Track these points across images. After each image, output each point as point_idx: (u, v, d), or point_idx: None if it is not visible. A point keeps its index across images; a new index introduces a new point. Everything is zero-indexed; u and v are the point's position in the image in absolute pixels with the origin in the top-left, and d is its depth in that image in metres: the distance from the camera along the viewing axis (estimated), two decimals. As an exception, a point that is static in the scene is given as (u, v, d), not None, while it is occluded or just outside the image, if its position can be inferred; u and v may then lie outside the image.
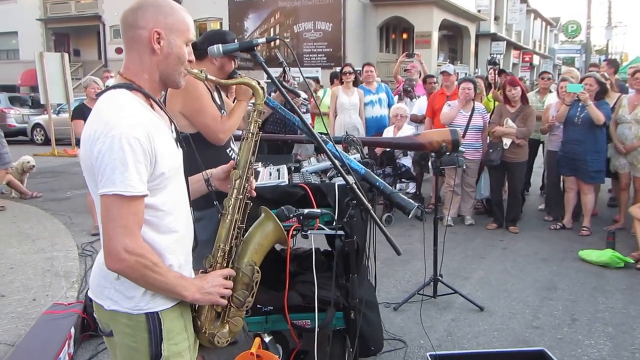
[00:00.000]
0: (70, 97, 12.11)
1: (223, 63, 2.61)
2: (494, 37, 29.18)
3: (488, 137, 5.87)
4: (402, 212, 2.42)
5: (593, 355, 3.16)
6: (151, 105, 1.47)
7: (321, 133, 3.33)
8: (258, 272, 1.60)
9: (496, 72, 6.97)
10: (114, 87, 1.44)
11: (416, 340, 3.30)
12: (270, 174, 2.78)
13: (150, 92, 1.46)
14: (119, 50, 22.98)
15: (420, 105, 6.97)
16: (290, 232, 2.25)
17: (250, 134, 1.65)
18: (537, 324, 3.58)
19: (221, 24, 23.16)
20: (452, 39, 28.68)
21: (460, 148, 3.69)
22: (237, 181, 1.61)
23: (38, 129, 15.59)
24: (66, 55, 12.73)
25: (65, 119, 11.20)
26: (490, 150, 5.69)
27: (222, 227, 1.58)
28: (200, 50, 2.23)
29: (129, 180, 1.30)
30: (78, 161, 1.44)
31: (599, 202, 6.43)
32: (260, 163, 3.05)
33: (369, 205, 1.90)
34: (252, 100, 1.71)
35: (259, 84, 1.70)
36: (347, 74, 6.54)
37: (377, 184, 2.51)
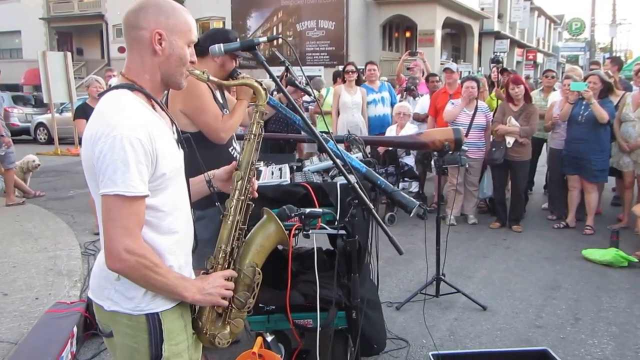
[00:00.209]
0: (73, 96, 12.13)
1: (224, 61, 2.60)
2: (498, 35, 29.11)
3: (491, 136, 5.85)
4: (404, 210, 2.41)
5: (596, 355, 3.15)
6: (153, 106, 1.47)
7: (323, 132, 3.33)
8: (259, 273, 1.60)
9: (499, 70, 6.94)
10: (116, 87, 1.44)
11: (418, 339, 3.30)
12: (273, 173, 2.77)
13: (151, 92, 1.46)
14: (121, 49, 23.04)
15: (422, 104, 6.96)
16: (292, 232, 2.24)
17: (252, 135, 1.65)
18: (540, 323, 3.57)
19: (224, 22, 23.18)
20: (456, 37, 28.62)
21: (463, 147, 3.68)
22: (239, 182, 1.61)
23: (41, 128, 15.63)
24: (69, 54, 12.75)
25: (68, 118, 11.21)
26: (493, 149, 5.67)
27: (223, 228, 1.58)
28: (202, 48, 2.23)
29: (130, 181, 1.30)
30: (81, 160, 1.44)
31: (603, 200, 6.40)
32: (262, 162, 3.04)
33: (371, 205, 1.89)
34: (255, 101, 1.71)
35: (260, 84, 1.70)
36: (350, 73, 6.53)
37: (379, 182, 2.50)
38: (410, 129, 6.11)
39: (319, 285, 2.39)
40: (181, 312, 1.49)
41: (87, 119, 1.58)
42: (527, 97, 5.66)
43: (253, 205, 1.65)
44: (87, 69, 25.84)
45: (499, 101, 6.22)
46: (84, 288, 4.10)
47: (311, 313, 2.47)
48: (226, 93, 2.87)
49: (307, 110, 8.15)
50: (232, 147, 2.73)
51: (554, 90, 6.57)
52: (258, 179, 2.55)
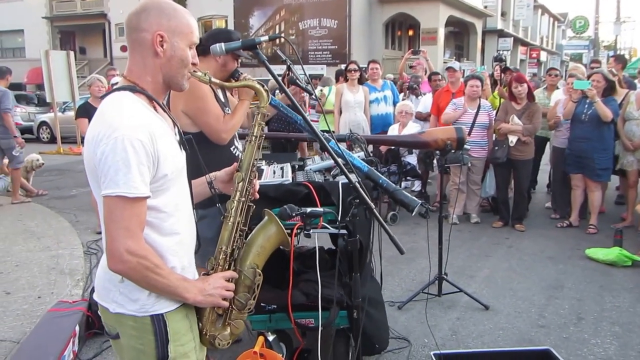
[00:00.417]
0: (76, 95, 12.15)
1: (226, 61, 2.60)
2: (501, 34, 29.03)
3: (494, 135, 5.83)
4: (406, 209, 2.40)
5: (599, 355, 3.14)
6: (154, 108, 1.47)
7: (324, 131, 3.32)
8: (260, 274, 1.60)
9: (501, 68, 6.92)
10: (118, 89, 1.44)
11: (420, 339, 3.29)
12: (274, 172, 2.77)
13: (153, 94, 1.47)
14: (124, 48, 23.00)
15: (425, 102, 6.94)
16: (294, 231, 2.24)
17: (253, 137, 1.65)
18: (542, 323, 3.56)
19: (226, 21, 23.20)
20: (459, 36, 28.57)
21: (465, 146, 3.67)
22: (240, 184, 1.61)
23: (44, 127, 15.68)
24: (72, 53, 12.78)
25: (71, 117, 11.25)
26: (496, 148, 5.65)
27: (224, 229, 1.58)
28: (204, 47, 2.23)
29: (132, 182, 1.30)
30: (83, 159, 1.45)
31: (607, 199, 6.39)
32: (264, 161, 3.04)
33: (372, 204, 1.88)
34: (257, 103, 1.71)
35: (263, 86, 1.69)
36: (352, 72, 6.52)
37: (380, 181, 2.49)
38: (412, 128, 6.10)
39: (320, 285, 2.38)
40: (186, 312, 1.49)
41: (89, 118, 1.59)
42: (530, 96, 5.64)
43: (254, 206, 1.64)
44: (90, 68, 25.90)
45: (502, 100, 6.20)
46: (86, 287, 4.11)
47: (313, 312, 2.46)
48: (228, 93, 2.86)
49: (313, 107, 8.15)
50: (234, 147, 2.72)
51: (557, 88, 6.55)
52: (260, 178, 2.55)
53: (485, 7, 26.80)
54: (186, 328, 1.49)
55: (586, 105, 5.34)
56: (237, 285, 1.57)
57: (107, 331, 1.54)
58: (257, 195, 1.68)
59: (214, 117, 2.53)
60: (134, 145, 1.30)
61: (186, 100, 2.48)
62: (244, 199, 1.60)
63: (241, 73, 2.61)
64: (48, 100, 12.87)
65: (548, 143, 6.61)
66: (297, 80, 2.55)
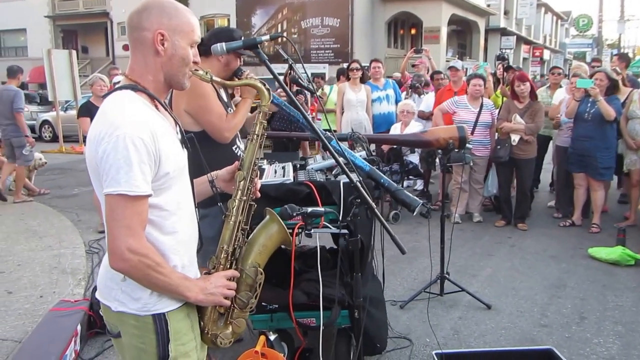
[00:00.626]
0: (78, 94, 12.17)
1: (229, 60, 2.59)
2: (504, 32, 28.94)
3: (496, 134, 5.82)
4: (407, 209, 2.40)
5: (602, 354, 3.13)
6: (156, 107, 1.47)
7: (326, 130, 3.31)
8: (262, 273, 1.60)
9: (504, 67, 6.90)
10: (119, 88, 1.44)
11: (422, 338, 3.28)
12: (276, 172, 2.76)
13: (155, 93, 1.47)
14: (126, 47, 23.03)
15: (427, 101, 6.93)
16: (295, 231, 2.24)
17: (255, 136, 1.65)
18: (545, 322, 3.55)
19: (228, 20, 23.19)
20: (461, 34, 28.50)
21: (467, 145, 3.66)
22: (242, 182, 1.61)
23: (46, 126, 15.67)
24: (74, 52, 12.79)
25: (73, 116, 11.27)
26: (499, 147, 5.64)
27: (225, 228, 1.58)
28: (206, 47, 2.22)
29: (134, 180, 1.30)
30: (85, 158, 1.45)
31: (609, 198, 6.36)
32: (265, 160, 3.03)
33: (373, 204, 1.88)
34: (259, 101, 1.70)
35: (264, 85, 1.69)
36: (354, 70, 6.50)
37: (382, 181, 2.49)
38: (414, 127, 6.08)
39: (322, 284, 2.38)
40: (187, 312, 1.49)
41: (91, 117, 1.59)
42: (533, 95, 5.63)
43: (255, 205, 1.64)
44: (92, 67, 25.93)
45: (504, 98, 6.18)
46: (88, 286, 4.11)
47: (314, 312, 2.46)
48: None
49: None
50: (235, 146, 2.72)
51: (560, 87, 6.53)
52: (261, 177, 2.54)
53: (488, 5, 26.72)
54: (187, 327, 1.49)
55: (589, 104, 5.33)
56: (239, 284, 1.56)
57: (108, 330, 1.54)
58: (259, 194, 1.68)
59: (216, 115, 2.53)
60: (136, 144, 1.30)
61: (188, 98, 2.48)
62: (245, 198, 1.60)
63: (244, 71, 2.60)
64: (50, 99, 12.89)
65: (551, 142, 6.59)
66: (299, 79, 2.55)
